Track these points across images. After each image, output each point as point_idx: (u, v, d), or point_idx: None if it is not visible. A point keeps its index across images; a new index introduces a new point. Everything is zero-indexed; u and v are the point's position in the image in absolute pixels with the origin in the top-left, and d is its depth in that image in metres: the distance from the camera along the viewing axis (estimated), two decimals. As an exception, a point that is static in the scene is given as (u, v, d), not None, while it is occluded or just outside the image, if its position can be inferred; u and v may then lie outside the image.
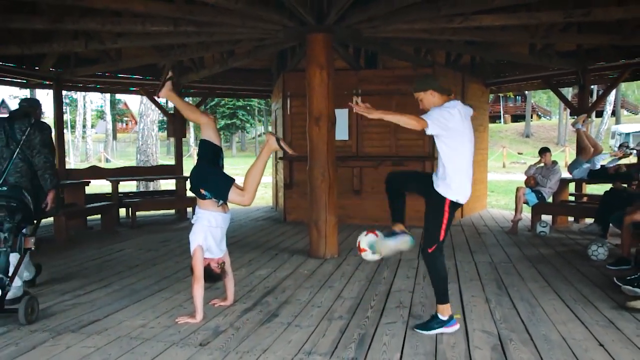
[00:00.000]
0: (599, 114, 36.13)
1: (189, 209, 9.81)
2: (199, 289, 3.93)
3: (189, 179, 4.07)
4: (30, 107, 4.73)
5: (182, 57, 9.01)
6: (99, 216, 8.64)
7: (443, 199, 3.62)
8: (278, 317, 4.06)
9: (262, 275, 5.42)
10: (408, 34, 7.00)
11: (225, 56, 9.60)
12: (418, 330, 3.68)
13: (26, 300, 3.94)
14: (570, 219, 9.02)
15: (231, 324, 3.90)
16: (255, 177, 4.03)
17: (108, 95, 42.57)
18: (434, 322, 3.68)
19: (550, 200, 8.36)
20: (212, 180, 4.02)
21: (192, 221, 4.09)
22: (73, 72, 9.23)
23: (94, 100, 48.48)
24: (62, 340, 3.56)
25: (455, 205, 3.65)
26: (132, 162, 24.59)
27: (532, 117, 45.52)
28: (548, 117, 54.52)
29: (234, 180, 4.05)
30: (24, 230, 4.20)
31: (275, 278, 5.31)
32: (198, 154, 4.16)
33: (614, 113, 38.79)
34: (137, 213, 9.10)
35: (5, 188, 4.14)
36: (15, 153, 4.25)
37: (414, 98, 3.82)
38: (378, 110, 3.44)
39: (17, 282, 4.25)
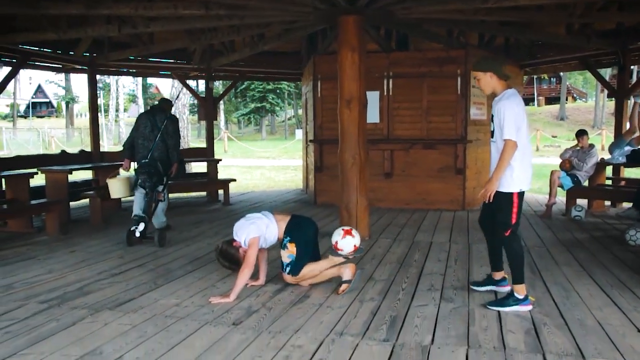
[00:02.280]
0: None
1: (220, 191, 9.93)
2: (247, 273, 4.06)
3: (296, 224, 4.36)
4: (165, 104, 6.59)
5: (213, 41, 9.05)
6: (132, 198, 8.79)
7: (510, 194, 3.72)
8: (309, 298, 4.10)
9: (293, 257, 5.45)
10: (441, 14, 6.87)
11: (255, 39, 9.60)
12: (492, 307, 3.75)
13: (158, 232, 6.04)
14: (607, 203, 8.82)
15: (263, 304, 3.95)
16: (312, 272, 4.29)
17: (140, 79, 43.23)
18: (510, 299, 3.75)
19: (586, 184, 8.18)
20: (304, 248, 4.27)
21: (260, 214, 4.34)
22: (106, 57, 9.37)
23: (126, 85, 49.36)
24: (100, 317, 3.66)
25: (522, 194, 3.75)
26: (164, 146, 24.82)
27: (567, 100, 44.44)
28: (584, 100, 53.17)
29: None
30: (158, 188, 6.21)
31: (306, 260, 5.34)
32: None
33: (654, 95, 37.54)
34: (170, 195, 9.22)
35: (148, 160, 6.12)
36: (157, 137, 6.18)
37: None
38: (493, 179, 3.69)
39: (162, 218, 6.49)
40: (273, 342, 3.21)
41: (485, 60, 3.84)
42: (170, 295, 4.19)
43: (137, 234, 5.96)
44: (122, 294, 4.21)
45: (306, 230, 4.35)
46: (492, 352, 3.06)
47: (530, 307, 3.75)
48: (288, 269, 4.30)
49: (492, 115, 3.86)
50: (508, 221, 3.74)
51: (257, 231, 4.20)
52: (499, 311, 3.70)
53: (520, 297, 3.74)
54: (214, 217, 8.12)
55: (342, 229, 4.29)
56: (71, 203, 8.11)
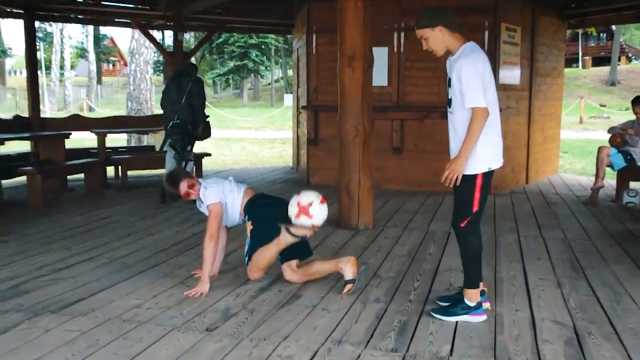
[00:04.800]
0: None
1: (191, 169, 9.89)
2: (210, 245, 4.18)
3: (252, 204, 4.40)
4: (190, 67, 8.10)
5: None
6: (81, 175, 8.79)
7: (473, 176, 3.60)
8: (301, 298, 4.10)
9: (281, 250, 5.45)
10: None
11: (236, -21, 9.50)
12: (436, 315, 3.67)
13: None
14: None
15: (244, 305, 3.95)
16: (262, 261, 4.32)
17: (91, 29, 42.71)
18: (458, 307, 3.66)
19: (641, 163, 8.18)
20: (257, 227, 4.31)
21: (228, 180, 4.54)
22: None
23: (74, 36, 48.92)
24: (40, 323, 3.64)
25: (489, 174, 3.64)
26: (121, 111, 24.79)
27: (619, 60, 44.35)
28: (640, 61, 53.14)
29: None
30: (188, 148, 7.50)
31: (296, 253, 5.34)
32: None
33: None
34: (128, 172, 9.22)
35: (178, 121, 7.37)
36: (183, 99, 7.41)
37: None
38: (460, 158, 3.51)
39: None
40: (256, 351, 3.21)
41: (429, 13, 3.68)
42: (128, 295, 4.18)
43: None
44: (68, 294, 4.19)
45: (268, 208, 4.30)
46: (524, 366, 3.08)
47: (484, 317, 3.65)
48: (247, 258, 4.36)
49: (449, 79, 3.68)
50: (468, 209, 3.63)
51: (217, 196, 4.32)
52: (445, 320, 3.63)
53: (472, 304, 3.64)
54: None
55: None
56: (3, 181, 8.06)
